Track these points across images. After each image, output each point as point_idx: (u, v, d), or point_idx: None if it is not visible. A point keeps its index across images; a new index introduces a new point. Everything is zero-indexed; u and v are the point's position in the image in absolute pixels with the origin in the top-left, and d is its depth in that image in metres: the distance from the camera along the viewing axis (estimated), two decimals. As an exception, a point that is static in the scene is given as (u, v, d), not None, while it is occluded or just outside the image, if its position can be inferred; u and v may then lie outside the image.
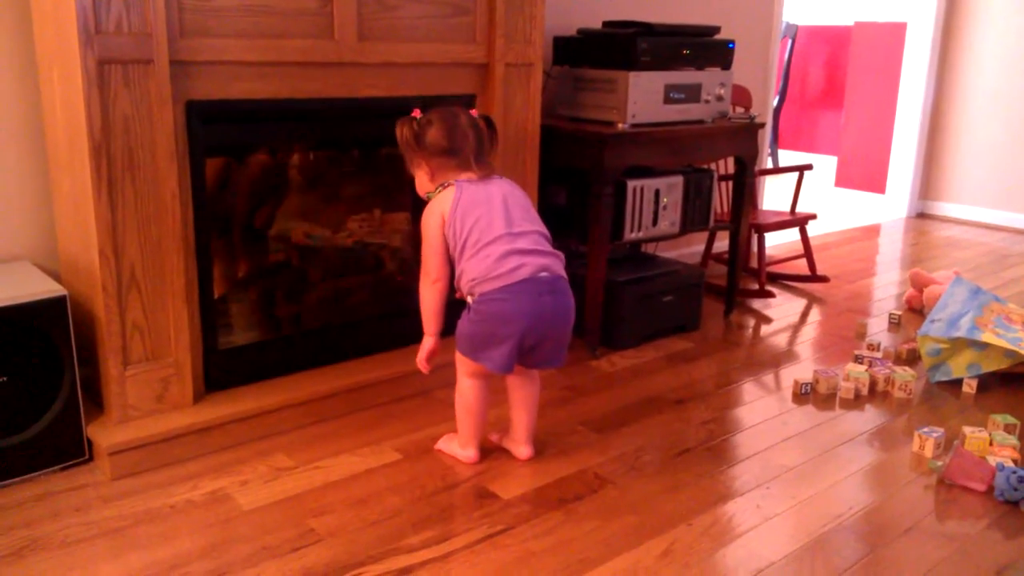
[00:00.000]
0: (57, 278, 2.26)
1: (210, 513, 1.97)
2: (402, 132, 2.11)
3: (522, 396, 2.22)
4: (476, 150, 2.10)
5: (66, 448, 2.11)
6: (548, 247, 2.10)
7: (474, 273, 2.03)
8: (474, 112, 2.15)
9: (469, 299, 2.08)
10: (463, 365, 2.16)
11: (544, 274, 2.04)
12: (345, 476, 2.16)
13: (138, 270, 2.13)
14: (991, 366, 2.82)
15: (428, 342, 2.18)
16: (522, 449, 2.26)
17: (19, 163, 2.32)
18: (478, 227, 2.03)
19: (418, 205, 2.75)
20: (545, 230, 2.13)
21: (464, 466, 2.22)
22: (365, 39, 2.43)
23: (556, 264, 2.09)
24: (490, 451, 2.30)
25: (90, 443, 2.15)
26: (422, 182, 2.15)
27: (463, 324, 2.10)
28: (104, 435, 2.12)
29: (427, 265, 2.11)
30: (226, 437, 2.27)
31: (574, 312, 2.12)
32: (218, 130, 2.25)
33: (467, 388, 2.18)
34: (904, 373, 2.79)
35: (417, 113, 2.11)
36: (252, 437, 2.31)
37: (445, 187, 2.09)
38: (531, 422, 2.25)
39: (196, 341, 2.30)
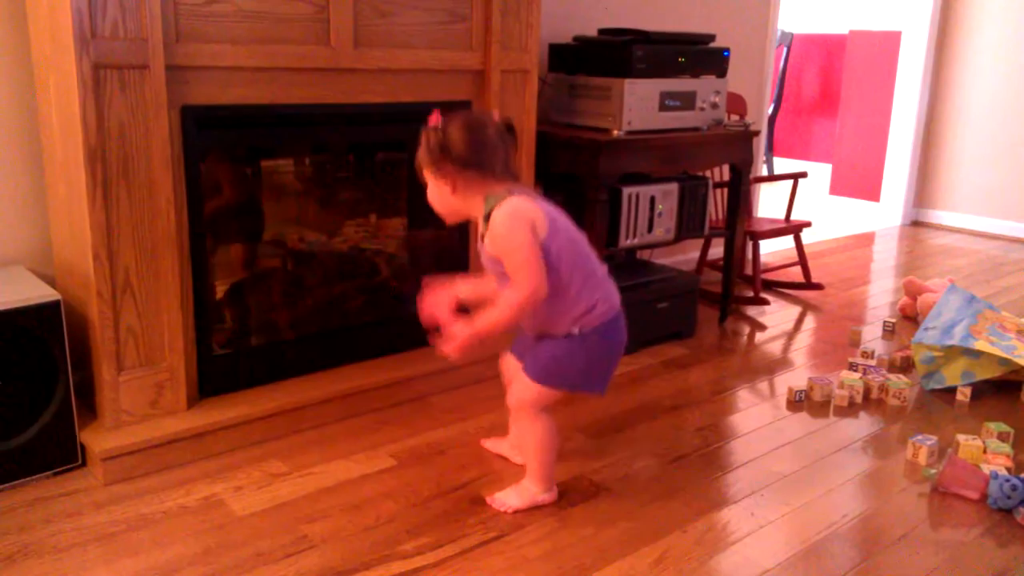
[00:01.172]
0: (51, 283, 2.26)
1: (203, 519, 1.97)
2: (428, 141, 1.90)
3: None
4: (504, 160, 1.93)
5: (59, 453, 2.11)
6: None
7: (592, 300, 1.93)
8: (496, 115, 1.99)
9: (576, 329, 1.95)
10: (545, 399, 2.02)
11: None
12: (339, 482, 2.16)
13: (132, 275, 2.12)
14: (985, 374, 2.83)
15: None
16: (520, 456, 2.24)
17: (14, 167, 2.31)
18: (582, 249, 1.94)
19: (415, 211, 2.76)
20: None
21: (459, 472, 2.22)
22: (361, 45, 2.43)
23: None
24: (485, 457, 2.30)
25: (83, 448, 2.14)
26: (443, 194, 1.93)
27: (570, 357, 1.97)
28: (97, 440, 2.11)
29: (528, 275, 1.85)
30: (220, 443, 2.26)
31: None
32: (213, 135, 2.25)
33: (544, 425, 2.04)
34: (898, 381, 2.79)
35: (436, 118, 1.91)
36: (246, 443, 2.31)
37: (501, 198, 1.88)
38: None
39: (190, 346, 2.30)
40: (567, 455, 2.34)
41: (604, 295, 1.96)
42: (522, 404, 2.04)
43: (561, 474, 2.22)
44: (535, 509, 2.05)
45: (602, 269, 1.99)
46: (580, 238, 1.96)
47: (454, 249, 2.81)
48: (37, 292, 2.08)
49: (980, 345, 2.78)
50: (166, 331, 2.20)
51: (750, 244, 3.89)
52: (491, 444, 2.33)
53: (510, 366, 2.16)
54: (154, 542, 1.87)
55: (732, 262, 3.53)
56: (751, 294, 3.86)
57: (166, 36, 2.06)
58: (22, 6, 2.22)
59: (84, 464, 2.15)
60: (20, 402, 2.05)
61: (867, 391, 2.81)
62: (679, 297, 3.31)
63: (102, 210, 2.04)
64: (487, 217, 1.89)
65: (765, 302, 3.86)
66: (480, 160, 1.88)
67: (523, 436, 2.10)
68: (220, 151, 2.39)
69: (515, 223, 1.85)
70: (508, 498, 2.07)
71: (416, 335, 2.79)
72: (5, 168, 2.30)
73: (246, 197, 2.58)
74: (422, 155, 1.92)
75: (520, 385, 2.03)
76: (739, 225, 3.48)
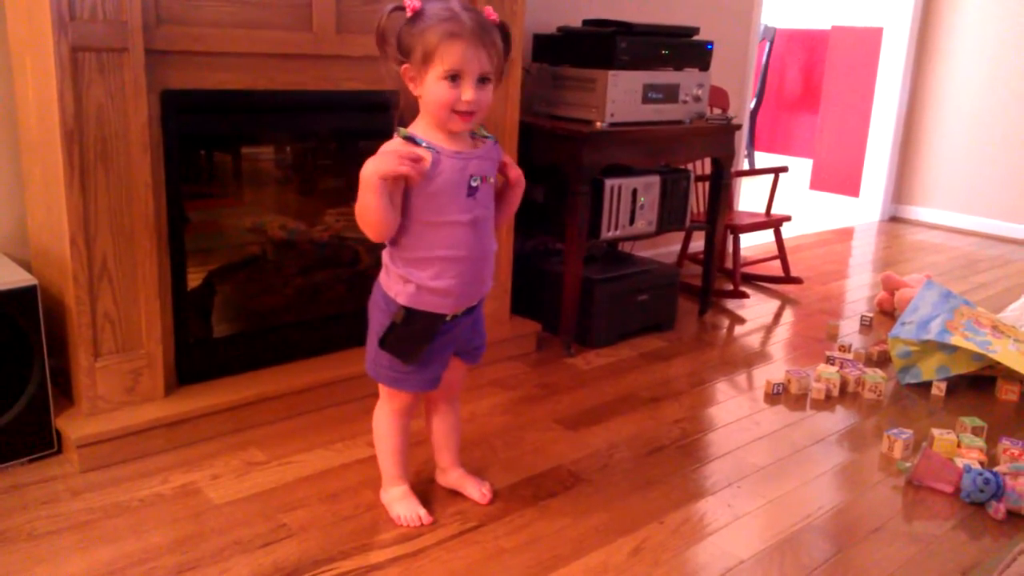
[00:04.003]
0: (27, 267, 2.23)
1: (180, 507, 1.96)
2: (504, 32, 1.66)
3: None
4: None
5: (34, 440, 2.09)
6: None
7: None
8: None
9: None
10: None
11: None
12: (318, 471, 2.15)
13: (110, 260, 2.10)
14: (960, 369, 2.86)
15: None
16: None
17: (-10, 150, 2.29)
18: None
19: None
20: None
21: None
22: (344, 31, 2.42)
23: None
24: (464, 446, 2.29)
25: (59, 435, 2.12)
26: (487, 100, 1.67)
27: None
28: (73, 427, 2.10)
29: None
30: (198, 431, 2.25)
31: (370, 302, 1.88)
32: (193, 120, 2.23)
33: None
34: (874, 375, 2.82)
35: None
36: (224, 431, 2.29)
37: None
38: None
39: (168, 333, 2.28)
40: (545, 446, 2.34)
41: None
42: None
43: (539, 465, 2.23)
44: (513, 500, 2.06)
45: None
46: None
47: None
48: (13, 277, 2.05)
49: (956, 340, 2.81)
50: (143, 317, 2.19)
51: (731, 237, 3.91)
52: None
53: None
54: (130, 530, 1.86)
55: (712, 255, 3.55)
56: (731, 287, 3.88)
57: (146, 19, 2.04)
58: (-1, -14, 2.19)
59: (60, 451, 2.13)
60: (-6, 388, 2.03)
61: (844, 385, 2.83)
62: (659, 289, 3.32)
63: (79, 195, 2.02)
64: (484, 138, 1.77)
65: (744, 295, 3.88)
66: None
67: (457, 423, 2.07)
68: (199, 136, 2.36)
69: None
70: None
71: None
72: (-20, 151, 2.27)
73: (225, 182, 2.56)
74: (498, 51, 1.65)
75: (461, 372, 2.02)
76: (720, 219, 3.49)
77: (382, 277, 1.82)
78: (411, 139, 1.67)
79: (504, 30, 1.67)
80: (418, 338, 1.80)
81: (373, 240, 1.71)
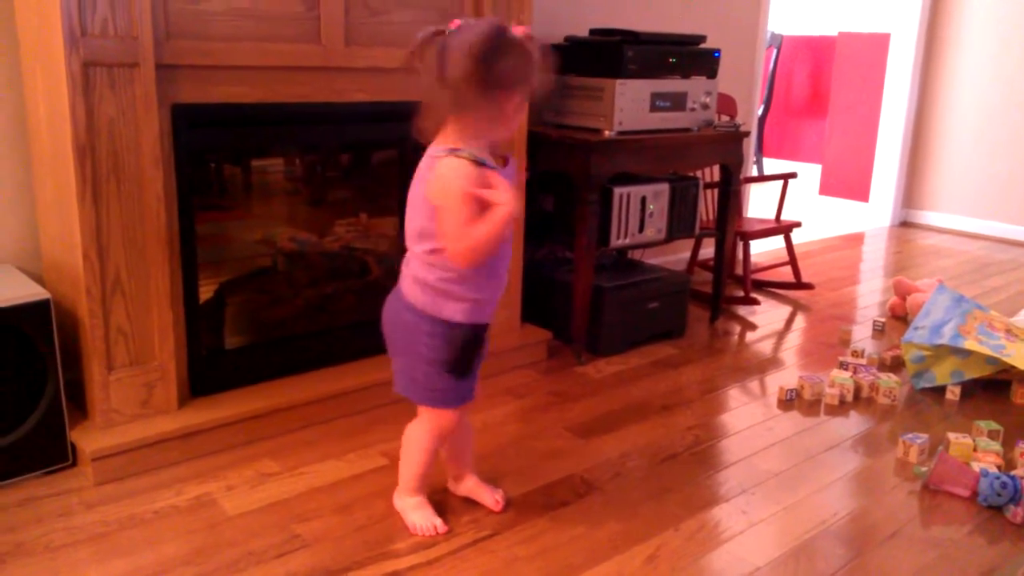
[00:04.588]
0: (40, 281, 2.24)
1: (195, 518, 1.96)
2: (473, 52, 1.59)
3: None
4: None
5: (49, 453, 2.10)
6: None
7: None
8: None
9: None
10: None
11: None
12: (331, 481, 2.15)
13: (123, 273, 2.11)
14: (974, 373, 2.84)
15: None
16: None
17: (1, 165, 2.30)
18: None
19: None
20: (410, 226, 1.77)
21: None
22: (352, 43, 2.43)
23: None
24: (476, 456, 2.29)
25: (74, 448, 2.13)
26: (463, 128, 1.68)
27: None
28: (88, 440, 2.10)
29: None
30: (211, 442, 2.25)
31: (395, 324, 1.84)
32: (203, 134, 2.24)
33: None
34: (888, 380, 2.81)
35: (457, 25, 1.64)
36: (238, 442, 2.30)
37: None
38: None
39: (181, 345, 2.29)
40: (558, 454, 2.34)
41: None
42: None
43: (552, 473, 2.23)
44: (526, 509, 2.05)
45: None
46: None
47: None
48: (26, 291, 2.07)
49: (969, 344, 2.79)
50: (156, 330, 2.19)
51: (740, 244, 3.90)
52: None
53: None
54: (146, 542, 1.86)
55: (723, 262, 3.54)
56: (741, 294, 3.87)
57: (156, 34, 2.05)
58: (10, 2, 2.21)
59: (74, 464, 2.14)
60: (10, 401, 2.04)
61: (857, 390, 2.82)
62: (670, 297, 3.31)
63: (92, 208, 2.03)
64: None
65: (755, 302, 3.87)
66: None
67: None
68: (210, 149, 2.37)
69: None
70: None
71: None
72: (-6, 166, 2.29)
73: (236, 194, 2.57)
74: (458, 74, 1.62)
75: None
76: (729, 225, 3.49)
77: (420, 301, 1.76)
78: (481, 163, 1.65)
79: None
80: (474, 351, 1.81)
81: (471, 268, 1.68)
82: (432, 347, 1.77)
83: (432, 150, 1.70)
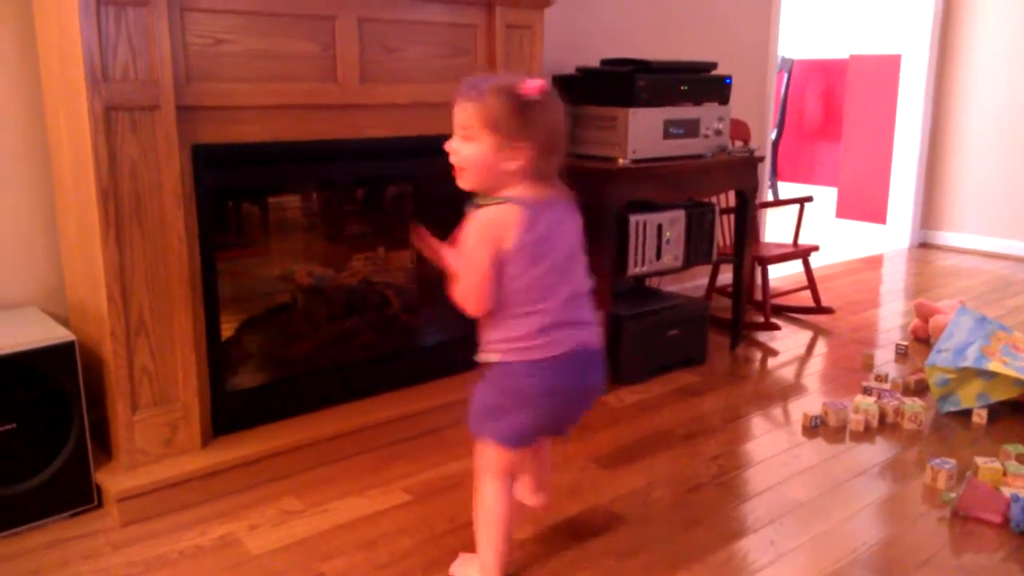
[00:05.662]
0: (65, 323, 2.26)
1: (219, 558, 1.96)
2: (499, 100, 1.61)
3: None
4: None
5: (75, 495, 2.10)
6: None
7: (529, 328, 1.67)
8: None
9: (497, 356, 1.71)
10: (488, 455, 1.78)
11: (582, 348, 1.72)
12: (354, 518, 2.14)
13: (146, 314, 2.13)
14: (1000, 395, 2.81)
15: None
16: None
17: (26, 208, 2.33)
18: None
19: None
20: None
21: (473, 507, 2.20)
22: (367, 81, 2.46)
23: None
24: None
25: (99, 489, 2.14)
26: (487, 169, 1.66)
27: (482, 391, 1.75)
28: (113, 481, 2.11)
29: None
30: (235, 481, 2.25)
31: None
32: (224, 173, 2.27)
33: (491, 491, 1.78)
34: (913, 404, 2.77)
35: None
36: (260, 480, 2.30)
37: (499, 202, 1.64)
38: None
39: (204, 384, 2.29)
40: (582, 486, 2.32)
41: (550, 328, 1.66)
42: (476, 464, 1.80)
43: (576, 506, 2.21)
44: (552, 542, 2.03)
45: (567, 299, 1.71)
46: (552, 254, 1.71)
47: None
48: (51, 333, 2.08)
49: (994, 366, 2.76)
50: (180, 369, 2.21)
51: (759, 269, 3.89)
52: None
53: None
54: (170, 583, 1.86)
55: (741, 287, 3.53)
56: (762, 319, 3.85)
57: (176, 77, 2.09)
58: (33, 48, 2.25)
59: (100, 505, 2.14)
60: (36, 444, 2.05)
61: (882, 415, 2.79)
62: (689, 324, 3.30)
63: (115, 250, 2.05)
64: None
65: (776, 327, 3.85)
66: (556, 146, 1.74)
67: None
68: (231, 188, 2.40)
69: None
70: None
71: (428, 368, 2.79)
72: (17, 209, 2.32)
73: (256, 232, 2.59)
74: (483, 113, 1.63)
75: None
76: (747, 250, 3.48)
77: (496, 357, 1.70)
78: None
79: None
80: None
81: None
82: (514, 398, 1.73)
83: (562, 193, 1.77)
